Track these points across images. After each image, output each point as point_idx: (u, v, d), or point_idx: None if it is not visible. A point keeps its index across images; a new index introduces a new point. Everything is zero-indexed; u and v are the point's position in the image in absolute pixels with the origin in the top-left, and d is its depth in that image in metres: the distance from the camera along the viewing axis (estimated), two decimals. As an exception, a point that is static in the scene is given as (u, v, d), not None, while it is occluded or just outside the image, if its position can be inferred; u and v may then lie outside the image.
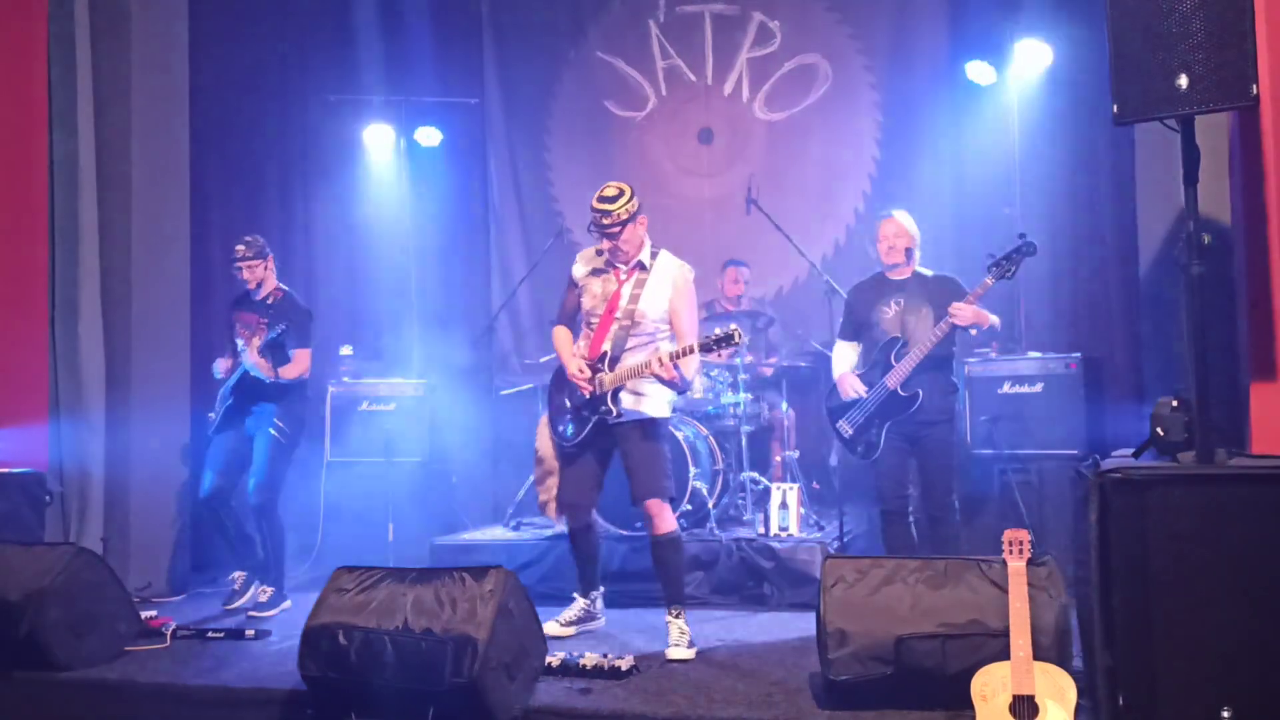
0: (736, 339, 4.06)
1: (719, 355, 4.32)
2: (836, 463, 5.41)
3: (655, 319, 4.39)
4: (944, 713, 3.40)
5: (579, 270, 4.56)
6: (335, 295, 7.51)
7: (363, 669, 3.60)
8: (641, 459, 4.38)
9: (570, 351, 4.52)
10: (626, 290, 4.41)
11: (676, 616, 4.36)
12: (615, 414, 4.33)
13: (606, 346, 4.40)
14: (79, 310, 5.76)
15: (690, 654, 4.25)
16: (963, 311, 4.61)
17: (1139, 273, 5.30)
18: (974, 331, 4.78)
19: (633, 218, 4.33)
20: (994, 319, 4.78)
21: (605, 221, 4.30)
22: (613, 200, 4.31)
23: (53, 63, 5.79)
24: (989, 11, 6.62)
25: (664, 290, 4.38)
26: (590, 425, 4.42)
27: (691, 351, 4.16)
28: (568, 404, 4.51)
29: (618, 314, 4.39)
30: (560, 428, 4.53)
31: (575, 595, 4.80)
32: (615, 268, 4.45)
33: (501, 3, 7.85)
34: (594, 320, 4.47)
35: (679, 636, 4.30)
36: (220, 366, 5.44)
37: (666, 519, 4.38)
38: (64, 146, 5.78)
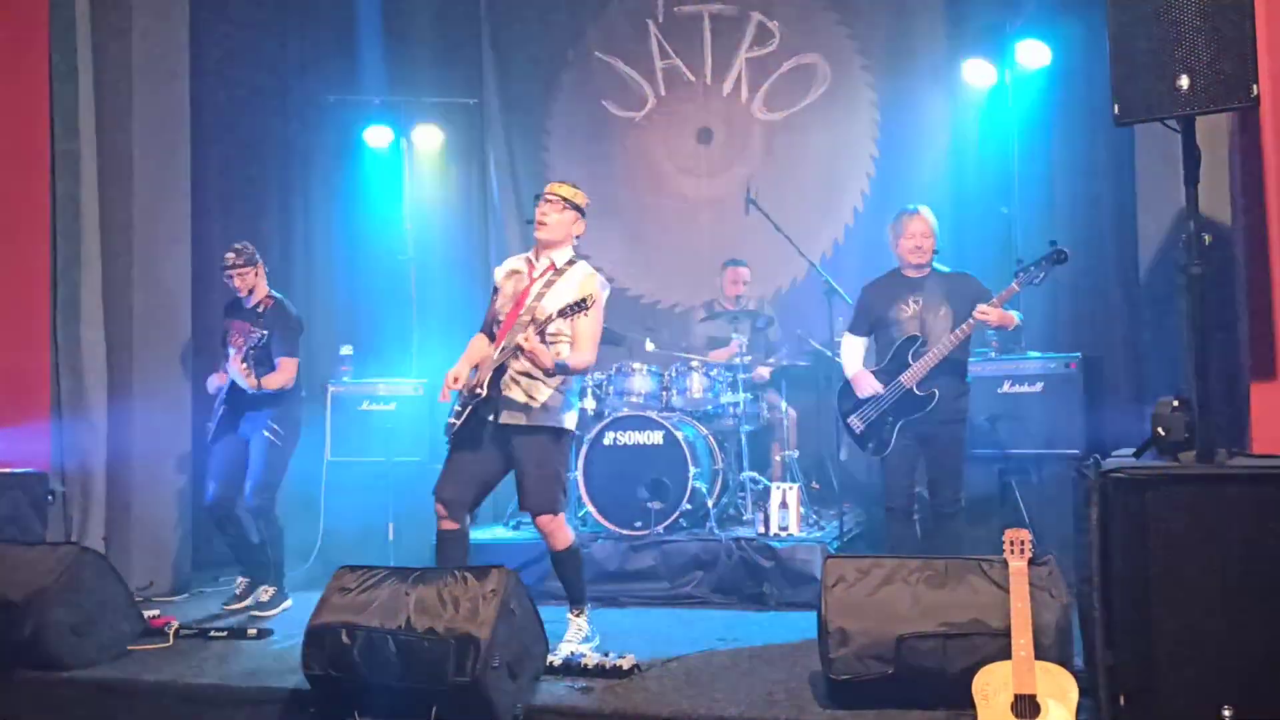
0: (588, 303, 4.01)
1: (571, 320, 4.12)
2: (847, 457, 5.38)
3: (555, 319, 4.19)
4: (945, 712, 3.41)
5: (499, 274, 4.50)
6: (335, 295, 7.50)
7: (365, 668, 3.62)
8: (532, 473, 4.22)
9: (469, 356, 4.37)
10: (535, 289, 4.31)
11: (577, 615, 4.37)
12: (485, 394, 4.12)
13: (505, 342, 4.23)
14: (80, 309, 5.75)
15: (585, 649, 4.23)
16: (990, 314, 4.59)
17: (1139, 272, 5.31)
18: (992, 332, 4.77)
19: (570, 207, 4.32)
20: (1018, 319, 4.80)
21: (544, 192, 4.36)
22: (564, 184, 4.38)
23: (54, 62, 5.79)
24: (987, 11, 6.64)
25: (570, 293, 4.18)
26: (466, 411, 4.20)
27: (551, 320, 4.05)
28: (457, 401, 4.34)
29: (521, 311, 4.27)
30: (449, 420, 4.30)
31: None
32: (531, 264, 4.37)
33: (500, 3, 7.84)
34: (500, 319, 4.37)
35: (575, 634, 4.30)
36: (213, 382, 5.45)
37: (562, 535, 4.27)
38: (65, 146, 5.77)
